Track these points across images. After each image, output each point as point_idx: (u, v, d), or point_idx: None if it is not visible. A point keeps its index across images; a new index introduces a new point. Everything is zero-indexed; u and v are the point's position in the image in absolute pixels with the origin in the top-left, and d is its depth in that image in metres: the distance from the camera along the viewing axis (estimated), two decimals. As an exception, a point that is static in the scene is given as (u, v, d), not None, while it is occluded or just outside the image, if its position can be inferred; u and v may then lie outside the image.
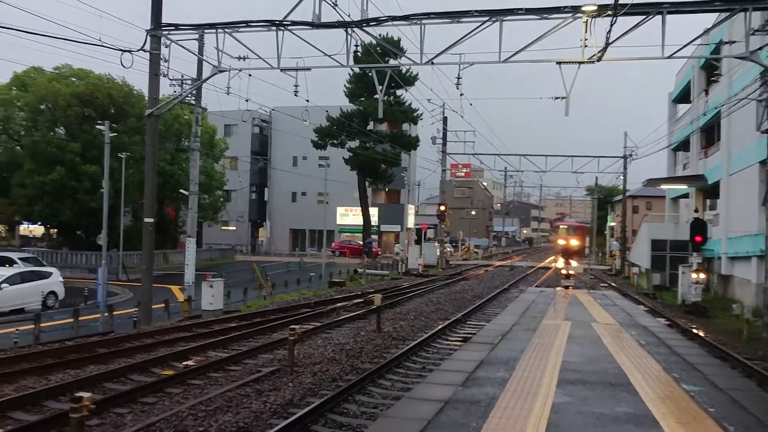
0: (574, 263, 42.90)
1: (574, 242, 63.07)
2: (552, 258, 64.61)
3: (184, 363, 12.46)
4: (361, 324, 17.40)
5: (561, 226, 72.33)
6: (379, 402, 9.71)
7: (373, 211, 59.51)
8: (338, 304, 21.00)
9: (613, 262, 50.74)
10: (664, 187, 40.69)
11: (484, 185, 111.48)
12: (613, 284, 36.01)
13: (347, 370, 11.68)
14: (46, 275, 26.05)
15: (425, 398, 6.95)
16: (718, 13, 16.45)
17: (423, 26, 16.22)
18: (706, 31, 19.92)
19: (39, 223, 50.49)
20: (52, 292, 25.74)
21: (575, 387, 7.56)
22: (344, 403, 9.56)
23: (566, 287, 27.93)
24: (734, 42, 17.66)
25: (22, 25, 15.49)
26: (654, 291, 31.49)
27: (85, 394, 6.16)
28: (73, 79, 43.99)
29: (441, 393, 7.03)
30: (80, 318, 18.60)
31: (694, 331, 18.40)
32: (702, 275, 24.23)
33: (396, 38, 43.08)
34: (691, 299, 24.02)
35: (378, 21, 16.61)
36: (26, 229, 62.93)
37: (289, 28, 16.95)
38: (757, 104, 19.62)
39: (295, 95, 18.93)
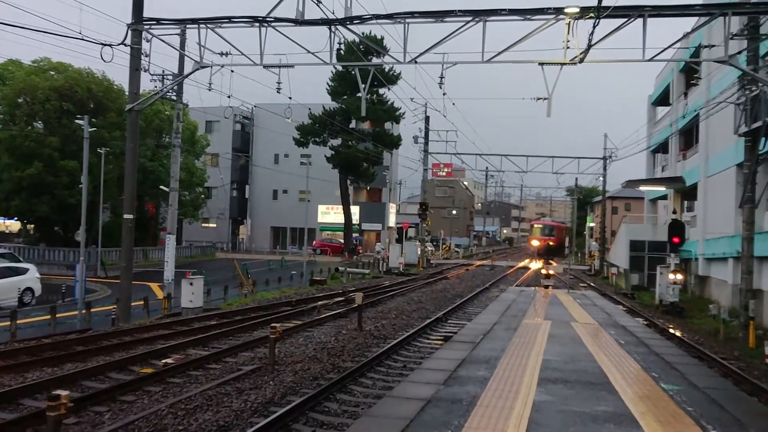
0: (553, 264, 40.45)
1: (551, 243, 62.14)
2: (527, 260, 60.31)
3: (164, 361, 12.34)
4: (342, 322, 17.38)
5: (536, 226, 71.51)
6: (361, 401, 9.70)
7: (355, 210, 59.47)
8: (319, 303, 20.95)
9: (593, 263, 51.20)
10: (642, 188, 41.12)
11: (465, 185, 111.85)
12: (592, 284, 36.34)
13: (328, 369, 11.66)
14: (22, 271, 25.68)
15: (407, 397, 6.96)
16: (697, 17, 16.63)
17: (407, 25, 16.24)
18: (686, 35, 20.15)
19: (16, 218, 49.73)
20: (29, 289, 25.38)
21: (556, 386, 7.62)
22: (325, 402, 9.54)
23: (546, 287, 28.12)
24: (713, 46, 17.89)
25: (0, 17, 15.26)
26: (632, 291, 31.83)
27: (63, 392, 6.08)
28: (52, 72, 43.38)
29: (423, 392, 7.04)
30: (57, 315, 18.38)
31: (672, 331, 18.62)
32: (679, 276, 24.53)
33: (379, 37, 43.09)
34: (668, 299, 24.32)
35: (362, 19, 16.60)
36: (2, 224, 62.00)
37: (273, 24, 16.88)
38: (735, 108, 19.92)
39: (278, 92, 18.87)
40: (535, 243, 62.20)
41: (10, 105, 42.41)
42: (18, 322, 16.71)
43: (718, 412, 6.80)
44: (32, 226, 49.59)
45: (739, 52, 16.95)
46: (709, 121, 26.23)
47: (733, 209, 23.34)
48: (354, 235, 57.40)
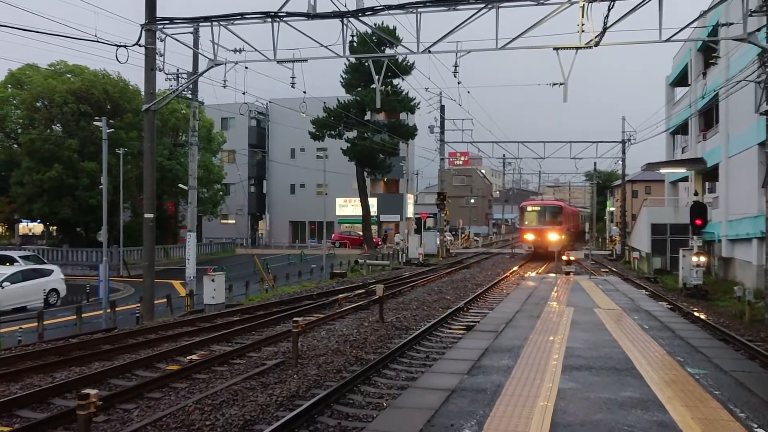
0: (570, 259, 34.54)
1: (553, 235, 40.20)
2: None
3: (189, 357, 12.47)
4: (363, 315, 17.42)
5: (529, 209, 43.57)
6: (385, 392, 9.73)
7: (372, 201, 59.51)
8: (340, 295, 21.01)
9: (614, 247, 50.79)
10: (663, 171, 40.63)
11: (482, 173, 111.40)
12: (614, 269, 36.05)
13: (351, 361, 11.70)
14: (47, 273, 26.07)
15: (431, 387, 6.97)
16: (715, -5, 16.37)
17: (419, 15, 16.15)
18: (703, 14, 19.82)
19: (38, 221, 50.47)
20: (54, 290, 25.78)
21: (580, 373, 7.58)
22: (350, 394, 9.57)
23: (567, 273, 27.96)
24: (731, 24, 17.59)
25: (17, 22, 15.42)
26: (655, 275, 31.54)
27: (92, 391, 6.17)
28: (69, 75, 43.86)
29: (447, 382, 7.04)
30: (83, 315, 18.64)
31: (696, 314, 18.44)
32: (703, 258, 24.26)
33: (392, 27, 42.94)
34: (692, 282, 24.05)
35: (374, 10, 16.53)
36: (26, 227, 62.92)
37: (285, 19, 16.87)
38: (755, 86, 19.56)
39: (292, 87, 18.88)
40: (530, 237, 41.63)
41: (29, 109, 42.98)
42: (45, 323, 16.98)
43: (746, 395, 6.73)
44: (55, 228, 50.26)
45: (759, 29, 16.63)
46: (729, 100, 25.82)
47: (756, 189, 22.99)
48: (385, 227, 57.64)
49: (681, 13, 21.04)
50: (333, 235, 61.74)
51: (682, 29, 15.69)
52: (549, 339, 9.65)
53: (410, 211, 68.53)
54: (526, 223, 42.71)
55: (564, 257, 34.35)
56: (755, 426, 5.72)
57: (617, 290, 17.29)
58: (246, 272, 32.54)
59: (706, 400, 6.48)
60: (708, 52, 30.82)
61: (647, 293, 21.76)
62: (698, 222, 24.08)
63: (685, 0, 15.99)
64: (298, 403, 9.01)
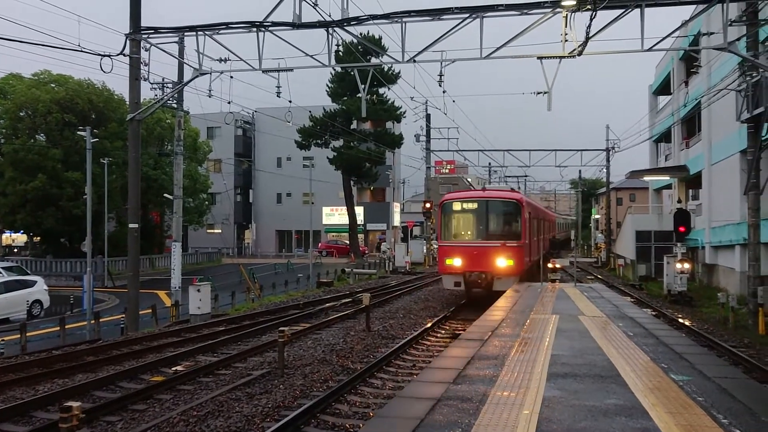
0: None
1: (501, 259, 19.87)
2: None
3: (174, 368, 12.39)
4: (350, 324, 17.39)
5: (455, 206, 21.55)
6: (371, 401, 9.71)
7: (359, 210, 59.52)
8: (327, 305, 20.97)
9: (599, 255, 51.10)
10: (646, 178, 41.02)
11: (468, 181, 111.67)
12: (599, 276, 36.27)
13: (338, 371, 11.67)
14: (30, 284, 25.80)
15: (417, 396, 6.96)
16: (695, 5, 16.58)
17: (404, 24, 16.23)
18: (685, 23, 20.08)
19: (22, 231, 49.95)
20: (37, 301, 25.50)
21: (565, 380, 7.61)
22: (336, 404, 9.56)
23: (553, 281, 28.08)
24: (712, 33, 17.83)
25: (-1, 32, 15.30)
26: (640, 282, 31.77)
27: (75, 404, 6.10)
28: (53, 85, 43.58)
29: (433, 391, 7.04)
30: (67, 326, 18.46)
31: (681, 320, 18.59)
32: (687, 265, 24.47)
33: (377, 37, 43.08)
34: (676, 289, 24.26)
35: (359, 20, 16.60)
36: (9, 237, 62.23)
37: (270, 28, 16.89)
38: (736, 94, 19.85)
39: (278, 96, 18.89)
40: (456, 262, 20.30)
41: (12, 118, 42.62)
42: (28, 334, 16.80)
43: (729, 402, 6.78)
44: (38, 238, 49.78)
45: (739, 39, 16.89)
46: (711, 108, 26.15)
47: (738, 196, 23.26)
48: (378, 234, 57.70)
49: (663, 22, 21.32)
50: (320, 244, 61.65)
51: (664, 38, 15.89)
52: (534, 347, 9.69)
53: (397, 219, 68.60)
54: (451, 234, 21.24)
55: (550, 265, 34.59)
56: (738, 432, 5.77)
57: (602, 297, 17.39)
58: (232, 282, 32.39)
59: (689, 407, 6.52)
60: (690, 61, 31.20)
61: (632, 300, 21.90)
62: (682, 229, 24.32)
63: (667, 10, 16.19)
64: (284, 413, 8.97)
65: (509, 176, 54.62)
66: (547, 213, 41.45)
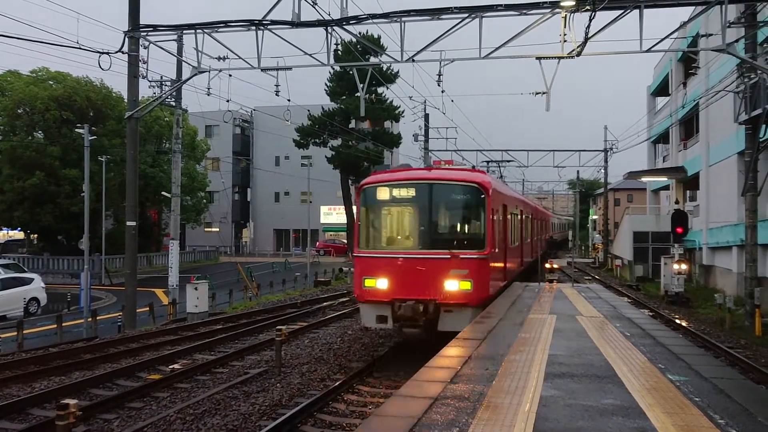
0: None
1: (451, 282, 12.45)
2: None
3: (171, 366, 12.38)
4: (347, 323, 17.40)
5: (379, 195, 13.50)
6: (369, 400, 9.72)
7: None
8: (324, 304, 20.98)
9: (596, 255, 51.15)
10: (644, 179, 41.07)
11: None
12: (596, 277, 36.31)
13: (335, 370, 11.68)
14: (27, 281, 25.75)
15: (414, 396, 6.96)
16: (694, 7, 16.60)
17: (403, 23, 16.22)
18: (684, 25, 20.12)
19: (19, 228, 49.84)
20: (34, 299, 25.45)
21: (562, 380, 7.61)
22: (333, 403, 9.56)
23: (551, 281, 28.10)
24: (711, 35, 17.87)
25: (-2, 28, 15.29)
26: (637, 282, 31.83)
27: (71, 401, 6.10)
28: (51, 82, 43.49)
29: (430, 390, 7.04)
30: (64, 324, 18.43)
31: (678, 321, 18.63)
32: (684, 266, 24.52)
33: (376, 36, 43.07)
34: (673, 290, 24.31)
35: (358, 19, 16.59)
36: (6, 235, 62.10)
37: (269, 27, 16.88)
38: (734, 96, 19.89)
39: (276, 95, 18.88)
40: (382, 285, 12.70)
41: (10, 116, 42.52)
42: (24, 332, 16.77)
43: (726, 402, 6.79)
44: (36, 235, 49.69)
45: (737, 40, 16.91)
46: (709, 110, 26.18)
47: (735, 198, 23.30)
48: None
49: (662, 23, 21.34)
50: (317, 243, 61.60)
51: (663, 40, 15.91)
52: (531, 347, 9.69)
53: (395, 219, 68.51)
54: (374, 239, 13.84)
55: (547, 265, 34.66)
56: (734, 432, 5.78)
57: (600, 298, 17.37)
58: (230, 280, 32.36)
59: (686, 407, 6.53)
60: (688, 62, 31.26)
61: (629, 301, 21.92)
62: (679, 230, 24.36)
63: (666, 11, 16.21)
64: (281, 412, 8.97)
65: (509, 181, 50.42)
66: (538, 209, 33.43)
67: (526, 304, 15.03)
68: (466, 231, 13.42)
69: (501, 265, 15.15)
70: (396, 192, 13.33)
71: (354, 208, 13.42)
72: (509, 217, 16.84)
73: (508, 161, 43.06)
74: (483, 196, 12.90)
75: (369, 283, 12.70)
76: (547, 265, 30.75)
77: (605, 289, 22.95)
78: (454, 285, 12.35)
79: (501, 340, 10.13)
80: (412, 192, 13.22)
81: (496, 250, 13.88)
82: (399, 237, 13.73)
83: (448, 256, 12.39)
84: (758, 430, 5.89)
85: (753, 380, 10.74)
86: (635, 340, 10.35)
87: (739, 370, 12.41)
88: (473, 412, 6.18)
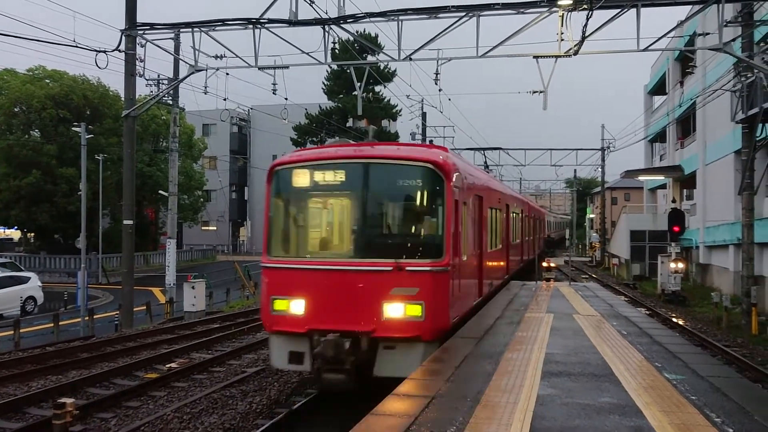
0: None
1: (394, 306, 8.97)
2: None
3: (168, 365, 12.37)
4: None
5: (295, 182, 9.98)
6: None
7: (355, 208, 59.39)
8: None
9: (594, 254, 51.24)
10: (641, 178, 41.14)
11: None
12: (593, 275, 36.38)
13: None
14: (24, 280, 25.70)
15: (411, 394, 6.97)
16: (691, 6, 16.62)
17: (400, 22, 16.22)
18: (680, 24, 20.14)
19: (15, 227, 49.76)
20: (31, 297, 25.40)
21: (559, 379, 7.62)
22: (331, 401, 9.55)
23: (548, 280, 28.14)
24: (708, 34, 17.91)
25: (-6, 27, 15.26)
26: (634, 281, 31.90)
27: (68, 400, 6.10)
28: (47, 80, 43.40)
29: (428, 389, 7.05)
30: (60, 323, 18.40)
31: (674, 320, 18.67)
32: (681, 265, 24.57)
33: (373, 35, 43.05)
34: (670, 288, 24.37)
35: (355, 18, 16.58)
36: (2, 233, 61.98)
37: (266, 26, 16.85)
38: (731, 95, 19.93)
39: (274, 93, 18.85)
40: (296, 308, 9.23)
41: (7, 114, 42.42)
42: (21, 330, 16.73)
43: (722, 401, 6.81)
44: (32, 234, 49.61)
45: (734, 39, 16.95)
46: (706, 108, 26.23)
47: (732, 196, 23.35)
48: None
49: (659, 22, 21.36)
50: (315, 242, 61.53)
51: (660, 39, 15.93)
52: (529, 345, 9.70)
53: (392, 217, 68.48)
54: (287, 243, 10.29)
55: (545, 264, 34.73)
56: (730, 431, 5.80)
57: (597, 296, 17.41)
58: (227, 279, 32.33)
59: (683, 406, 6.55)
60: (685, 61, 31.30)
61: (626, 299, 21.95)
62: (676, 229, 24.40)
63: (663, 10, 16.21)
64: (279, 410, 8.97)
65: (506, 180, 49.76)
66: (531, 205, 29.99)
67: (523, 303, 15.05)
68: (418, 232, 9.73)
69: (472, 278, 11.77)
70: (319, 176, 9.70)
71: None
72: (488, 213, 13.72)
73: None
74: (441, 181, 9.37)
75: (279, 305, 9.27)
76: (544, 264, 30.77)
77: (602, 288, 23.00)
78: (397, 310, 8.85)
79: (498, 338, 10.14)
80: (341, 176, 9.62)
81: (464, 258, 10.51)
82: (323, 240, 10.15)
83: (390, 268, 8.87)
84: (755, 428, 5.91)
85: (749, 379, 10.78)
86: (632, 338, 10.37)
87: (736, 368, 12.45)
88: (470, 411, 6.19)
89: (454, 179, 9.53)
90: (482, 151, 42.06)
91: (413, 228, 9.78)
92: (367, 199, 9.50)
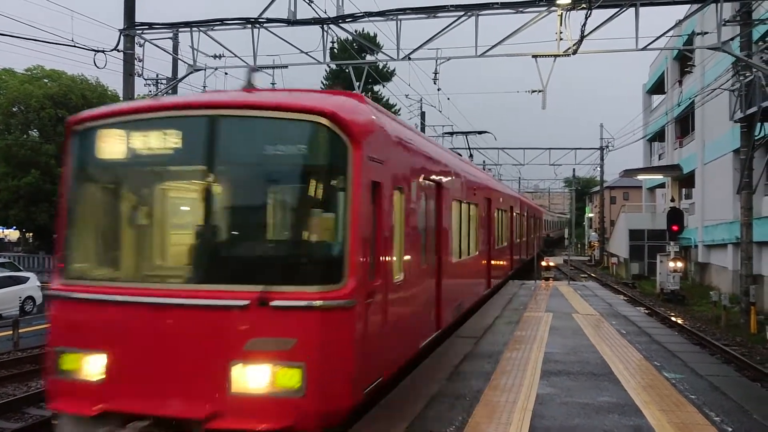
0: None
1: (260, 370, 5.10)
2: None
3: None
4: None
5: (110, 137, 5.92)
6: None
7: (353, 208, 59.39)
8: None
9: (592, 253, 51.29)
10: (640, 177, 41.17)
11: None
12: (592, 275, 36.42)
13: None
14: (23, 280, 25.65)
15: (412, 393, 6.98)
16: (690, 5, 16.64)
17: (399, 21, 16.22)
18: (679, 23, 20.15)
19: (14, 227, 49.73)
20: (30, 298, 25.36)
21: (558, 378, 7.64)
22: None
23: (547, 279, 28.15)
24: (706, 33, 17.92)
25: (-8, 26, 15.26)
26: (633, 280, 31.93)
27: (68, 400, 6.07)
28: (46, 80, 43.39)
29: (427, 388, 7.06)
30: (59, 323, 18.37)
31: (673, 319, 18.70)
32: (679, 264, 24.60)
33: (372, 34, 43.05)
34: (669, 287, 24.39)
35: (354, 17, 16.58)
36: (1, 233, 61.94)
37: (265, 25, 16.84)
38: (729, 94, 19.95)
39: (273, 93, 18.80)
40: (92, 368, 5.46)
41: (5, 114, 42.40)
42: (20, 330, 16.70)
43: (721, 399, 6.83)
44: (31, 234, 49.58)
45: (732, 39, 16.96)
46: (705, 108, 26.26)
47: (731, 195, 23.38)
48: None
49: (658, 21, 21.39)
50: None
51: (658, 38, 15.94)
52: (528, 345, 9.72)
53: (391, 217, 68.45)
54: (101, 258, 6.52)
55: (543, 263, 34.76)
56: (729, 429, 5.82)
57: (595, 295, 17.44)
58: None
59: (682, 405, 6.56)
60: (684, 60, 31.34)
61: (625, 298, 21.99)
62: (675, 228, 24.43)
63: (661, 9, 16.21)
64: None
65: (505, 179, 49.77)
66: (525, 202, 27.47)
67: (522, 302, 15.08)
68: (298, 237, 5.78)
69: (416, 306, 7.85)
70: (139, 140, 5.90)
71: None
72: (455, 208, 10.36)
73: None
74: (343, 147, 5.54)
75: (70, 363, 5.67)
76: (543, 263, 30.77)
77: (601, 287, 23.04)
78: (257, 378, 5.18)
79: (497, 337, 10.14)
80: (173, 139, 5.75)
81: (397, 278, 6.85)
82: (139, 254, 6.24)
83: (244, 302, 5.21)
84: (753, 427, 5.93)
85: (748, 377, 10.80)
86: (631, 337, 10.39)
87: (735, 367, 12.47)
88: (469, 410, 6.21)
89: (369, 146, 5.80)
90: (481, 151, 42.01)
91: (291, 231, 5.90)
92: (214, 180, 5.61)
